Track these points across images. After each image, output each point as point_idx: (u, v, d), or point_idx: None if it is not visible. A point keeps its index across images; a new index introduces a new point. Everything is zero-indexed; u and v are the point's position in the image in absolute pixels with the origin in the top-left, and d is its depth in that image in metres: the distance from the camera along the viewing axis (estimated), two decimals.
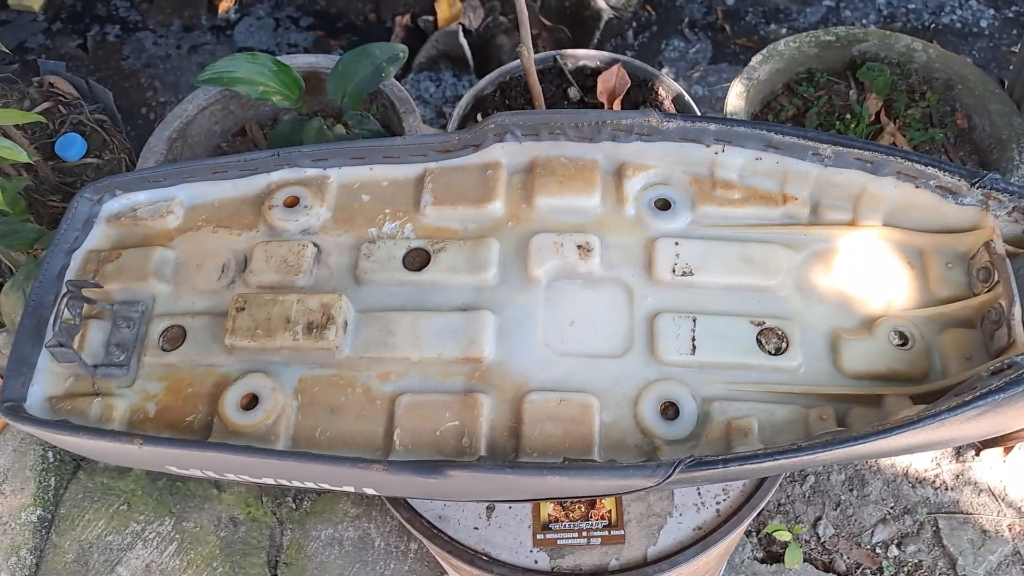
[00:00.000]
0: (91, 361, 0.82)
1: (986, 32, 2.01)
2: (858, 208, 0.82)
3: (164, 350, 0.82)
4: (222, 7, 2.15)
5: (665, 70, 1.90)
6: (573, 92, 1.32)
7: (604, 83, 1.29)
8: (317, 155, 0.88)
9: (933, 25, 2.03)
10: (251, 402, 0.77)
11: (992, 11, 2.04)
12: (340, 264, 0.85)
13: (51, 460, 1.47)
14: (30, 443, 1.48)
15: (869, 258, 0.80)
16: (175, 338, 0.83)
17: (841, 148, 0.79)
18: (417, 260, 0.83)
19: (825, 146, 0.80)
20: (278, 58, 1.17)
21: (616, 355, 0.77)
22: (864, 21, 2.04)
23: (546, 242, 0.81)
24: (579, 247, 0.80)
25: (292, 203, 0.87)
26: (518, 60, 1.23)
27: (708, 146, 0.83)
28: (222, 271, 0.86)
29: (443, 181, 0.86)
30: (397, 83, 1.27)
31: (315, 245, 0.85)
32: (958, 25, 2.03)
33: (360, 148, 0.87)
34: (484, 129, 0.85)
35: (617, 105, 1.26)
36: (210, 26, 2.15)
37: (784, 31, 2.02)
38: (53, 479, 1.46)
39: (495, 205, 0.84)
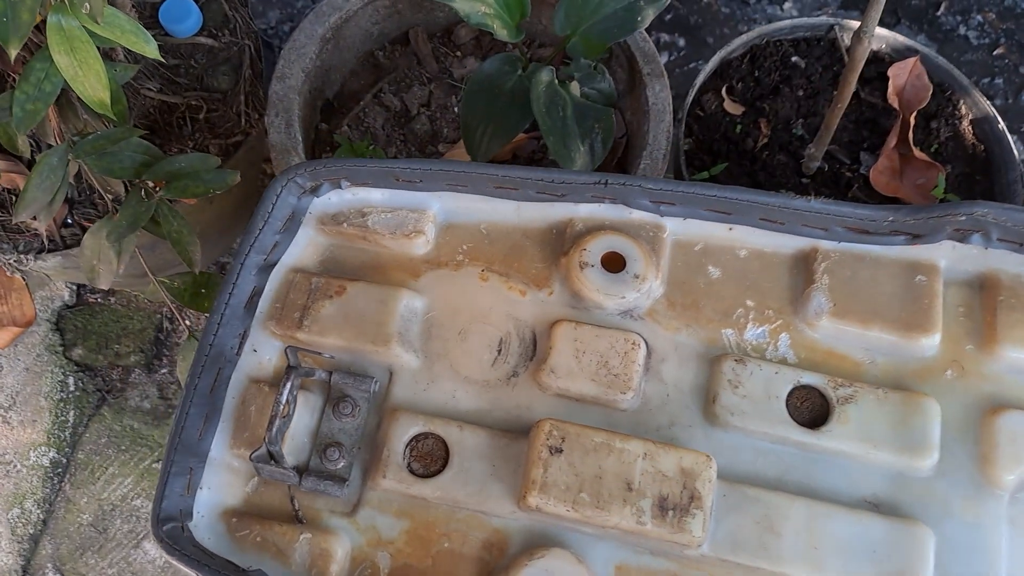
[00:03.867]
0: (293, 461, 0.53)
1: None
2: None
3: (414, 472, 0.53)
4: None
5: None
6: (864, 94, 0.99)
7: (895, 80, 0.98)
8: (666, 196, 0.57)
9: None
10: None
11: None
12: (680, 382, 0.56)
13: (71, 389, 1.16)
14: (47, 363, 1.17)
15: None
16: (430, 456, 0.54)
17: None
18: (807, 407, 0.55)
19: None
20: None
21: None
22: None
23: (1023, 428, 0.53)
24: None
25: (613, 264, 0.57)
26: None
27: None
28: (498, 351, 0.56)
29: (845, 278, 0.57)
30: (644, 32, 0.93)
31: (646, 343, 0.56)
32: None
33: (734, 200, 0.57)
34: (944, 217, 0.55)
35: (913, 120, 0.95)
36: None
37: None
38: (72, 413, 1.16)
39: (931, 339, 0.56)
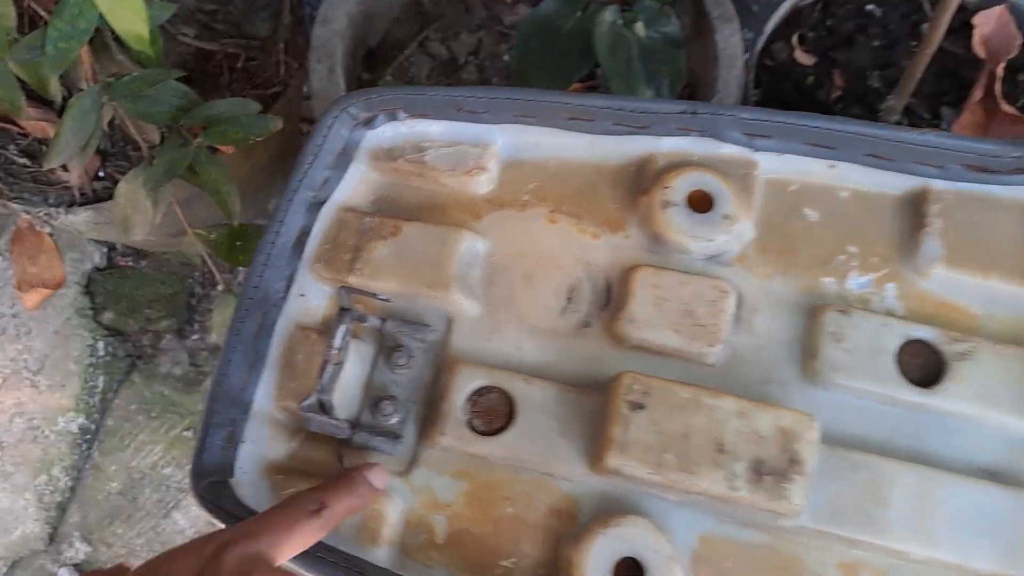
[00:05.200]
0: (343, 414, 0.48)
1: None
2: None
3: (475, 429, 0.48)
4: None
5: None
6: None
7: (981, 29, 0.91)
8: (761, 128, 0.51)
9: None
10: (628, 573, 0.45)
11: None
12: (773, 334, 0.50)
13: (101, 354, 1.12)
14: (76, 326, 1.13)
15: None
16: (494, 411, 0.48)
17: None
18: (919, 363, 0.49)
19: None
20: None
21: None
22: None
23: None
24: None
25: (700, 203, 0.51)
26: None
27: None
28: (568, 298, 0.51)
29: (961, 221, 0.51)
30: None
31: (735, 290, 0.50)
32: None
33: (838, 132, 0.51)
34: None
35: (1001, 71, 0.88)
36: None
37: None
38: (102, 379, 1.12)
39: None
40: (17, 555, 1.08)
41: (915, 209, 0.51)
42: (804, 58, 0.91)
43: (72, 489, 1.09)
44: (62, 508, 1.09)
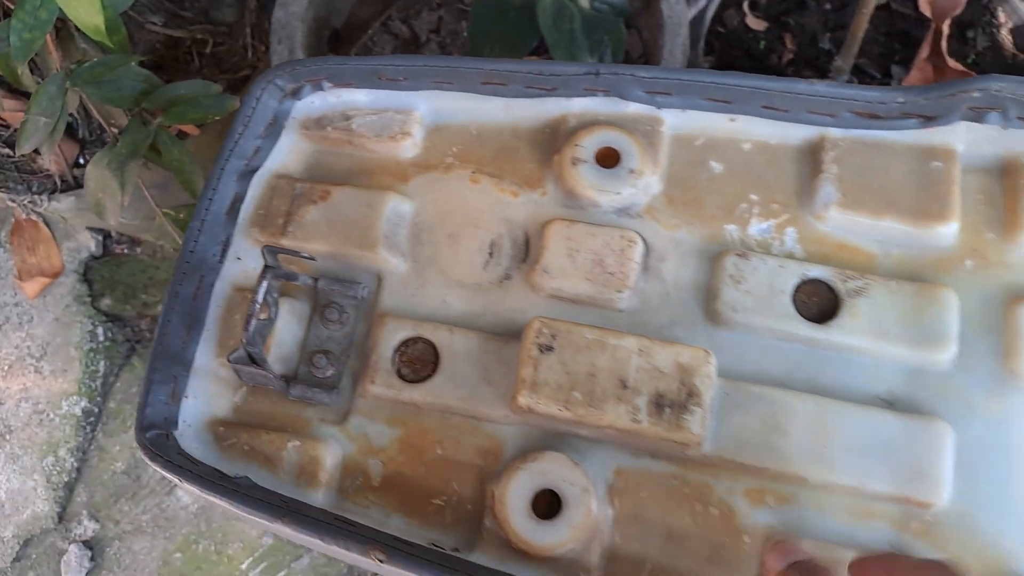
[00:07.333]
0: (280, 369, 0.51)
1: None
2: None
3: (403, 377, 0.51)
4: None
5: None
6: None
7: None
8: (661, 85, 0.54)
9: None
10: (548, 505, 0.48)
11: None
12: (680, 280, 0.53)
13: (100, 339, 1.17)
14: (76, 313, 1.18)
15: None
16: (420, 360, 0.52)
17: None
18: (815, 301, 0.52)
19: None
20: None
21: None
22: None
23: None
24: None
25: (608, 159, 0.54)
26: None
27: None
28: (490, 253, 0.54)
29: (855, 165, 0.53)
30: None
31: (643, 240, 0.53)
32: None
33: (734, 87, 0.53)
34: (957, 94, 0.51)
35: (947, 29, 0.90)
36: None
37: None
38: (103, 363, 1.17)
39: (948, 228, 0.52)
40: (29, 533, 1.13)
41: (813, 157, 0.54)
42: (756, 23, 0.94)
43: (78, 469, 1.14)
44: (69, 488, 1.14)
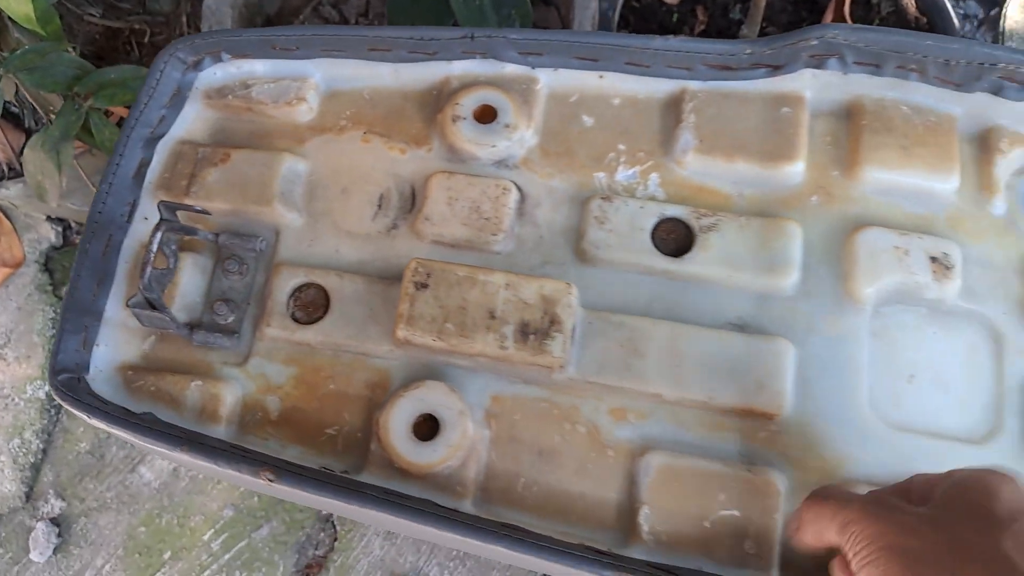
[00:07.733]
0: (185, 318, 0.56)
1: None
2: None
3: (296, 319, 0.56)
4: None
5: None
6: None
7: None
8: (531, 46, 0.59)
9: None
10: (429, 428, 0.53)
11: None
12: (553, 224, 0.58)
13: None
14: (38, 302, 1.22)
15: None
16: (312, 304, 0.56)
17: None
18: (673, 238, 0.56)
19: None
20: None
21: (975, 439, 0.52)
22: None
23: (882, 243, 0.54)
24: (932, 260, 0.54)
25: (486, 116, 0.59)
26: None
27: None
28: (379, 206, 0.59)
29: (712, 114, 0.58)
30: None
31: (518, 188, 0.58)
32: None
33: (597, 45, 0.58)
34: (797, 43, 0.56)
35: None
36: None
37: None
38: None
39: (795, 167, 0.57)
40: None
41: (675, 108, 0.59)
42: None
43: (44, 451, 1.18)
44: (36, 468, 1.18)
